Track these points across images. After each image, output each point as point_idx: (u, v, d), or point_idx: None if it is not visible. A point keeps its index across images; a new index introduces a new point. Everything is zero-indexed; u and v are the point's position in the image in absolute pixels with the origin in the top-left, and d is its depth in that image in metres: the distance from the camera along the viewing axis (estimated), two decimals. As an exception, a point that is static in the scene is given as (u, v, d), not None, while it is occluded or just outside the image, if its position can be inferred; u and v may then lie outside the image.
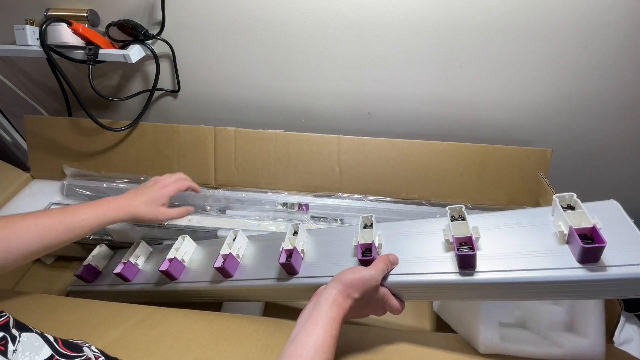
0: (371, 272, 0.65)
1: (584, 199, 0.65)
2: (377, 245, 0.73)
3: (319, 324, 0.57)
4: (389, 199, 1.11)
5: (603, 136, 1.13)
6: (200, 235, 1.06)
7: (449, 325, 0.89)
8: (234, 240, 0.88)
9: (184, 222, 1.07)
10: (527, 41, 0.98)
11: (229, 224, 1.06)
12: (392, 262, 0.70)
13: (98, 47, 1.01)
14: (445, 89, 1.08)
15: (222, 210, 1.14)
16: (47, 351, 0.50)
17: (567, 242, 0.63)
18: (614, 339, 0.75)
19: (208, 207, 1.13)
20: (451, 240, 0.67)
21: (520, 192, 1.08)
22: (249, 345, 0.71)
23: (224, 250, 0.83)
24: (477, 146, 1.07)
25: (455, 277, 0.66)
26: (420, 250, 0.73)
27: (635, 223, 0.63)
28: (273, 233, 1.01)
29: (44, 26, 0.96)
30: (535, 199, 1.07)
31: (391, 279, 0.69)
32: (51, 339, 0.53)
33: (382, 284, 0.68)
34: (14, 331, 0.50)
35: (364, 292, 0.64)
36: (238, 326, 0.76)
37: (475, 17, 0.95)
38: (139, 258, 0.97)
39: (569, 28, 0.95)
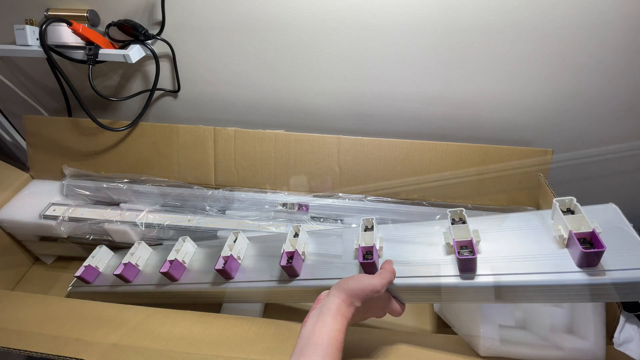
0: (374, 283, 0.65)
1: (583, 199, 0.65)
2: (377, 248, 0.74)
3: (324, 338, 0.57)
4: (389, 199, 1.11)
5: (603, 136, 1.13)
6: (200, 235, 1.06)
7: (449, 325, 0.89)
8: (234, 241, 0.88)
9: (184, 222, 1.08)
10: (527, 41, 0.98)
11: (228, 224, 1.06)
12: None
13: (98, 47, 1.01)
14: (445, 89, 1.08)
15: (222, 211, 1.14)
16: None
17: (567, 246, 0.63)
18: (614, 339, 0.76)
19: (208, 207, 1.14)
20: (452, 243, 0.67)
21: (520, 193, 1.08)
22: (249, 347, 0.71)
23: (225, 252, 0.84)
24: (477, 146, 1.07)
25: (455, 281, 0.66)
26: (421, 253, 0.73)
27: (635, 224, 0.63)
28: (274, 234, 1.01)
29: (44, 26, 0.96)
30: (535, 199, 1.07)
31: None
32: None
33: None
34: None
35: (367, 300, 0.65)
36: (238, 328, 0.76)
37: (474, 17, 0.95)
38: (140, 259, 0.97)
39: (568, 28, 0.95)
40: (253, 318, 0.81)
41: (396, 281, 0.69)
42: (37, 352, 0.71)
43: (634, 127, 1.10)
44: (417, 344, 0.74)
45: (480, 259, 0.66)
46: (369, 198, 1.11)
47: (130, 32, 1.03)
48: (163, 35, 1.06)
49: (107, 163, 1.18)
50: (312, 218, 1.10)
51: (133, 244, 0.99)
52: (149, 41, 1.05)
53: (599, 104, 1.07)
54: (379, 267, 0.71)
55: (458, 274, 0.66)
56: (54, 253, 1.22)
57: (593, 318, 0.71)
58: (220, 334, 0.75)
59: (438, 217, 1.04)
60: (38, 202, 1.11)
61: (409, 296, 0.72)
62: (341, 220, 1.09)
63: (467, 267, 0.65)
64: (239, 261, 0.86)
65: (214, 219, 1.09)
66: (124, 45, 1.04)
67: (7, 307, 0.84)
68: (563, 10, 0.92)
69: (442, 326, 0.95)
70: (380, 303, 0.69)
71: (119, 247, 1.09)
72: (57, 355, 0.69)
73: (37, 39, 1.00)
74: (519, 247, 0.67)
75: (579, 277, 0.60)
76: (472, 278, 0.65)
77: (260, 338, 0.73)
